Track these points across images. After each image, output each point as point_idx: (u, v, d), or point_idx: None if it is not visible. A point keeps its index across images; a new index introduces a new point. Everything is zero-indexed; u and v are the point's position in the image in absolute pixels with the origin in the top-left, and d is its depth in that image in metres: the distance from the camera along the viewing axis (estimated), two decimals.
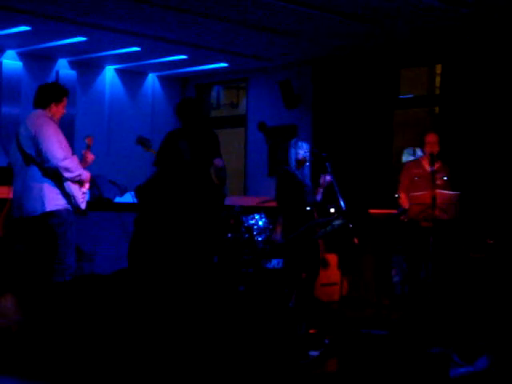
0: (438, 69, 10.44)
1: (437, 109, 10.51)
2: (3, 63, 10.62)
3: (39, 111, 6.16)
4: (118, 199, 8.63)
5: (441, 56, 9.89)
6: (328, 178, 6.91)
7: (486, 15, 8.51)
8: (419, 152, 8.24)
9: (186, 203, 6.42)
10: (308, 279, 6.92)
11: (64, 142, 6.08)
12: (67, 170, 6.03)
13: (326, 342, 5.74)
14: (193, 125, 6.71)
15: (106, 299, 4.29)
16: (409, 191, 7.31)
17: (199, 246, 6.40)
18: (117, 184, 8.73)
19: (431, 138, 7.43)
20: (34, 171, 6.06)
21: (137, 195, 7.76)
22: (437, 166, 7.27)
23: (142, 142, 7.05)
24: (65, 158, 6.01)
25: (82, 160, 6.32)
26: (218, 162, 6.69)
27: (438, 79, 10.61)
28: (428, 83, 11.23)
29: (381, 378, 4.64)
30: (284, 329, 4.66)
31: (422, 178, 7.33)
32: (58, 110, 6.22)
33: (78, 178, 6.13)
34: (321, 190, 7.08)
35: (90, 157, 6.39)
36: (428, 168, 7.33)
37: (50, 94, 6.21)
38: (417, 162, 7.63)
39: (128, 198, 8.69)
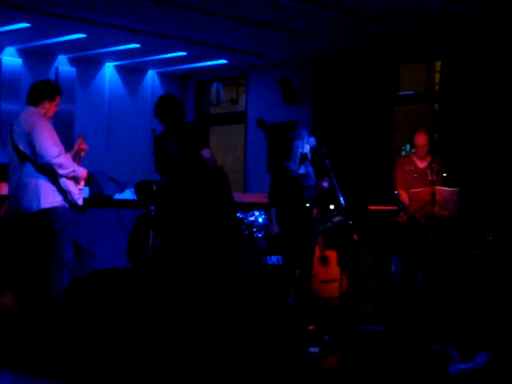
0: (438, 65, 10.44)
1: (436, 105, 10.51)
2: (3, 60, 10.61)
3: (32, 108, 6.17)
4: (117, 196, 8.63)
5: (440, 53, 9.88)
6: (325, 184, 6.91)
7: (485, 12, 8.51)
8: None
9: (188, 199, 6.44)
10: (302, 275, 6.92)
11: (57, 139, 6.09)
12: (61, 166, 6.04)
13: (326, 338, 5.74)
14: (173, 122, 6.72)
15: (107, 296, 4.30)
16: (405, 187, 7.35)
17: (214, 241, 6.43)
18: (117, 181, 8.72)
19: (421, 140, 7.47)
20: (29, 168, 6.07)
21: (136, 192, 7.77)
22: (428, 160, 7.34)
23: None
24: (58, 155, 6.02)
25: (76, 157, 6.34)
26: (205, 152, 6.69)
27: (437, 76, 10.61)
28: (427, 80, 11.22)
29: (380, 375, 4.65)
30: (283, 325, 4.66)
31: (415, 174, 7.39)
32: (51, 107, 6.22)
33: (72, 174, 6.13)
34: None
35: (84, 147, 6.39)
36: (419, 164, 7.47)
37: (43, 91, 6.21)
38: (408, 158, 7.67)
39: (128, 194, 8.68)
